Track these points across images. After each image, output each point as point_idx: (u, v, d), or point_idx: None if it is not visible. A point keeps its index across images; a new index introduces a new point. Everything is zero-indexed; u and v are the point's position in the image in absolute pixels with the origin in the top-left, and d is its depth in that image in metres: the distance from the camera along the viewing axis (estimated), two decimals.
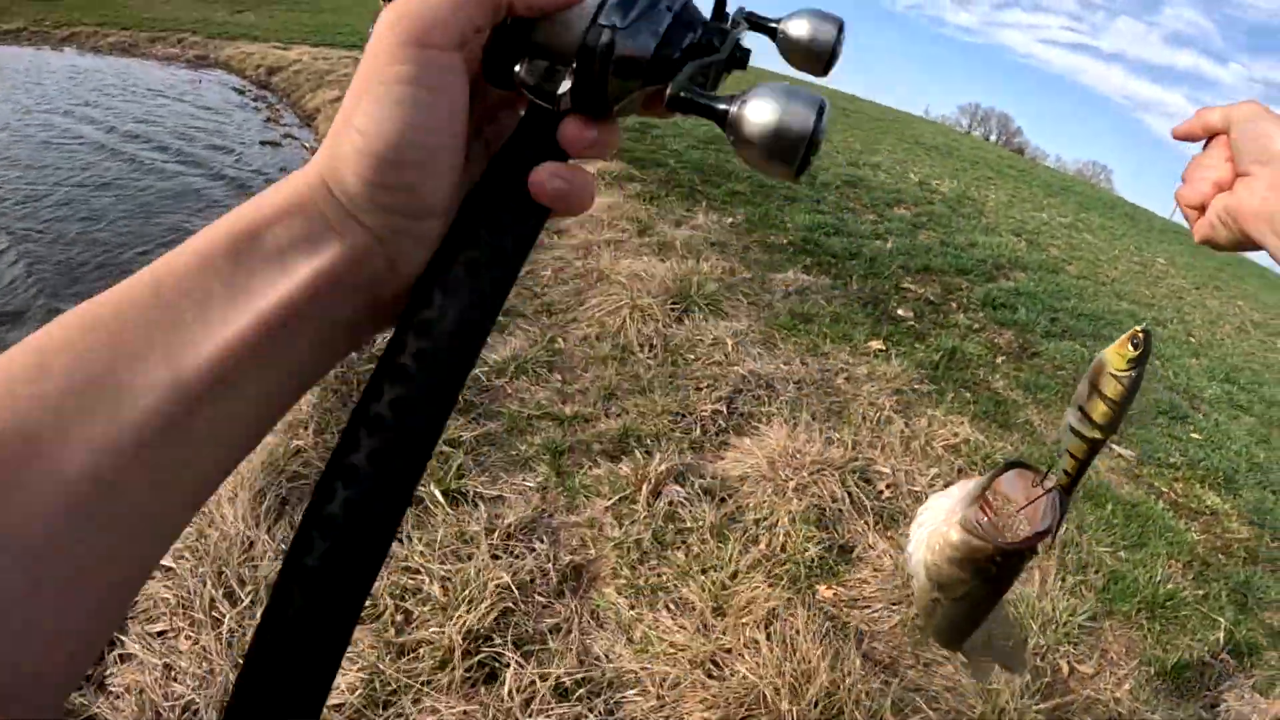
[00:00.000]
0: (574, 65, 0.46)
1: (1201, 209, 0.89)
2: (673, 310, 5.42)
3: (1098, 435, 0.94)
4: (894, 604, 3.23)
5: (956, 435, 4.57)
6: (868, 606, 3.24)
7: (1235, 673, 3.49)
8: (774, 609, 3.00)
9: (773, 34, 0.60)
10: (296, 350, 0.41)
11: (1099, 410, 0.92)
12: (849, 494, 3.78)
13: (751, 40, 0.57)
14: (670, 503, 3.53)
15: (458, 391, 0.45)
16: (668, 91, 0.47)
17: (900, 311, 6.78)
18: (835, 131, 21.09)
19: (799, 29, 0.59)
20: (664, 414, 4.26)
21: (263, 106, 15.55)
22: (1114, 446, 5.39)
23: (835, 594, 3.27)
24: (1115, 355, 0.93)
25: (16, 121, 11.22)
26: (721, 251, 7.07)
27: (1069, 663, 3.27)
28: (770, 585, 3.15)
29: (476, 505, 3.36)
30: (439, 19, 0.41)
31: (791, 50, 0.61)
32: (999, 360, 6.39)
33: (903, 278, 7.84)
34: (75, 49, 21.35)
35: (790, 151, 0.45)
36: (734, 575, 3.19)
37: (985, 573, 0.92)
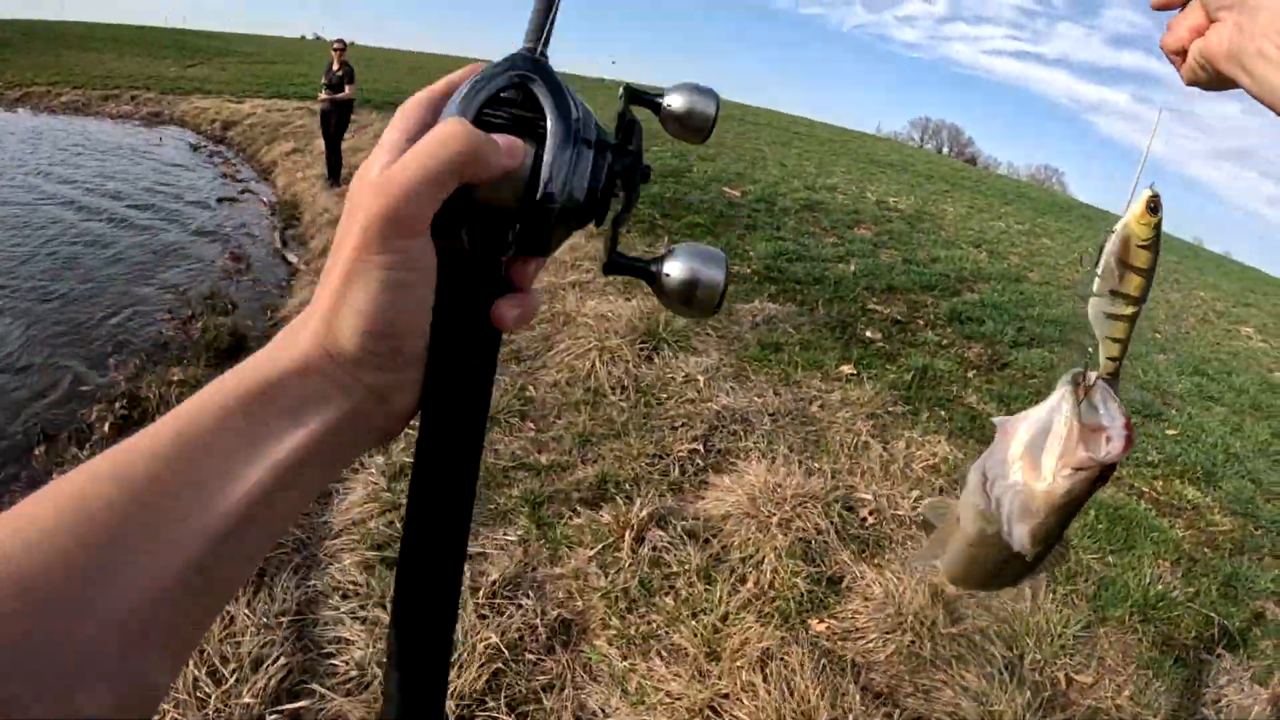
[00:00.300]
0: (517, 219, 0.52)
1: (1183, 55, 0.94)
2: (642, 349, 5.41)
3: (1135, 309, 0.94)
4: (888, 633, 3.20)
5: (935, 455, 4.57)
6: (861, 637, 3.21)
7: (1233, 666, 3.49)
8: (768, 649, 2.96)
9: (656, 108, 0.64)
10: (306, 482, 0.47)
11: (1134, 284, 0.91)
12: (833, 525, 3.76)
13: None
14: (654, 548, 3.49)
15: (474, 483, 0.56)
16: (604, 261, 0.57)
17: (868, 333, 6.81)
18: (790, 156, 21.32)
19: (679, 103, 0.64)
20: (641, 457, 4.23)
21: (219, 161, 15.53)
22: None
23: (828, 627, 3.24)
24: (1139, 225, 0.92)
25: None
26: None
27: (1066, 674, 3.26)
28: (762, 624, 3.12)
29: None
30: (416, 213, 0.47)
31: (672, 122, 0.65)
32: (970, 375, 6.42)
33: (868, 299, 7.88)
34: (29, 109, 21.28)
35: (708, 302, 0.57)
36: (725, 617, 3.15)
37: (1088, 495, 0.89)
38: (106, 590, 0.38)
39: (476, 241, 0.52)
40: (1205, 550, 4.44)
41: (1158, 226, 0.90)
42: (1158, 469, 5.38)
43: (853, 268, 8.94)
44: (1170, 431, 6.10)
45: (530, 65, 0.54)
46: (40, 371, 5.67)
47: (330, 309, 0.48)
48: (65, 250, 8.72)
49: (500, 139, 0.50)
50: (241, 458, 0.44)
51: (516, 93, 0.53)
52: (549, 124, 0.52)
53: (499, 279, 0.54)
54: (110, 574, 0.39)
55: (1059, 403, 0.84)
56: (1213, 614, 3.80)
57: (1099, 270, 0.93)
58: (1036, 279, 11.17)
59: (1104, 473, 0.83)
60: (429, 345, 0.51)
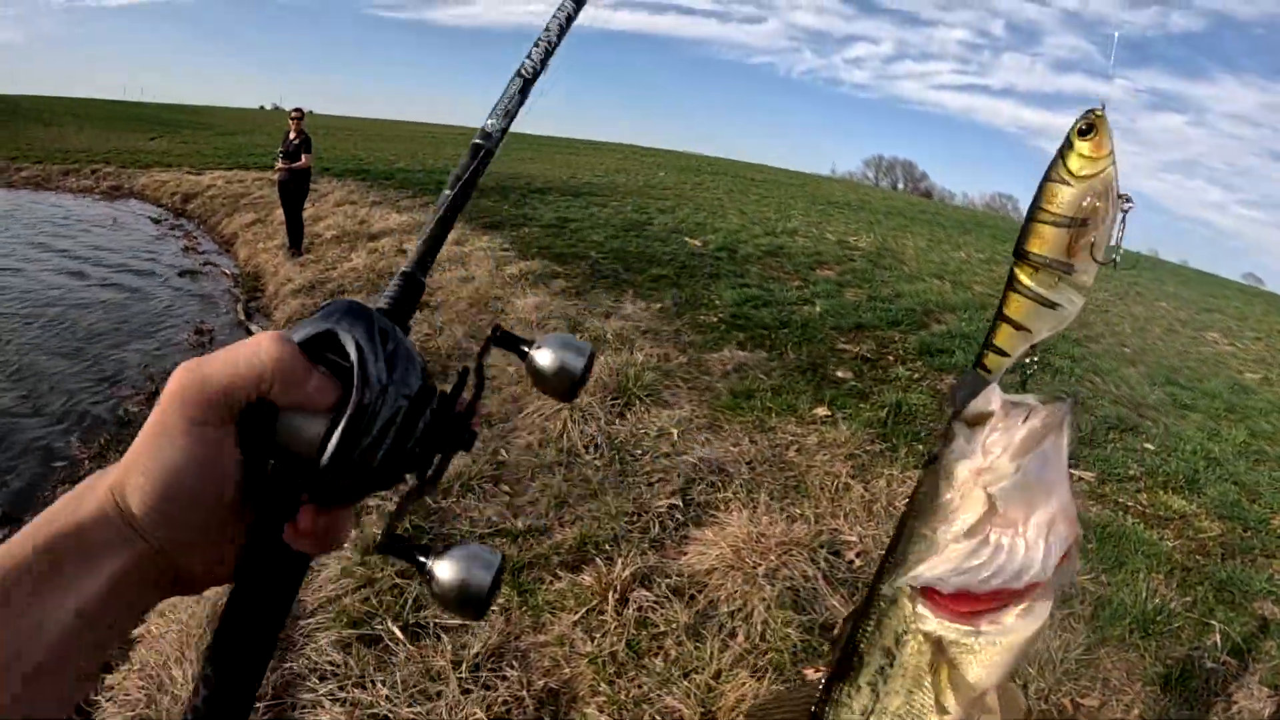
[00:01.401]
0: (307, 472, 0.52)
1: None
2: (613, 406, 5.36)
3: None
4: None
5: None
6: None
7: (1239, 672, 3.44)
8: None
9: (522, 355, 0.63)
10: (109, 621, 0.50)
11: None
12: (820, 570, 3.69)
13: None
14: (639, 608, 3.40)
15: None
16: (378, 541, 0.59)
17: (839, 373, 6.79)
18: (749, 203, 21.52)
19: (545, 358, 0.63)
20: (619, 515, 4.15)
21: (180, 234, 15.51)
22: (1071, 470, 5.39)
23: (823, 676, 3.15)
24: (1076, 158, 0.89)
25: None
26: (654, 338, 7.06)
27: (1072, 699, 3.19)
28: (757, 679, 3.03)
29: (439, 637, 3.20)
30: (211, 401, 0.50)
31: (535, 375, 0.63)
32: (945, 407, 6.39)
33: (836, 339, 7.88)
34: None
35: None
36: (717, 674, 3.07)
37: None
38: None
39: (276, 475, 0.53)
40: (1197, 558, 4.42)
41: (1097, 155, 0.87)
42: (1140, 482, 5.37)
43: (819, 309, 8.95)
44: (1148, 445, 6.11)
45: (355, 320, 0.53)
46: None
47: (126, 465, 0.51)
48: (21, 328, 8.63)
49: (316, 375, 0.52)
50: (49, 601, 0.47)
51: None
52: (353, 392, 0.51)
53: (295, 510, 0.54)
54: None
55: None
56: (1212, 621, 3.76)
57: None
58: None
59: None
60: (230, 527, 0.53)
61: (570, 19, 0.71)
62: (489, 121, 0.65)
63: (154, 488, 0.49)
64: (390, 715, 2.77)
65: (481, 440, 4.97)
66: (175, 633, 3.11)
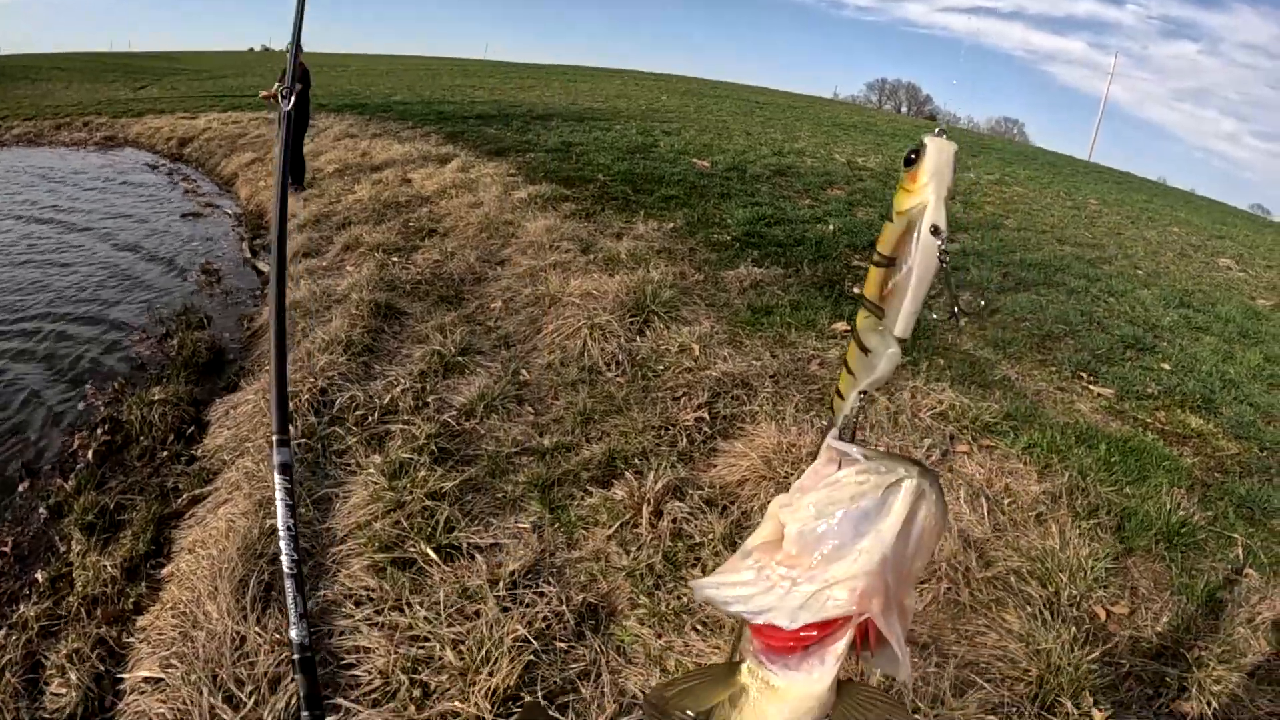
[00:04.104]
0: None
1: None
2: (632, 323, 5.30)
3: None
4: (923, 582, 3.11)
5: (941, 402, 4.49)
6: None
7: (1262, 585, 3.45)
8: None
9: None
10: None
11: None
12: None
13: None
14: (674, 520, 3.37)
15: None
16: None
17: (856, 289, 6.72)
18: (754, 125, 21.23)
19: None
20: (646, 430, 4.12)
21: (179, 178, 15.28)
22: (1090, 386, 5.38)
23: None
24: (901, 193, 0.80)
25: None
26: (669, 257, 6.96)
27: (1104, 607, 3.19)
28: None
29: (473, 557, 3.18)
30: None
31: None
32: (962, 322, 6.36)
33: (851, 256, 7.80)
34: None
35: None
36: None
37: None
38: None
39: None
40: (1217, 475, 4.41)
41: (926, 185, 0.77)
42: (1158, 400, 5.35)
43: (832, 227, 8.85)
44: (1165, 365, 6.08)
45: None
46: (15, 406, 5.49)
47: None
48: (28, 276, 8.49)
49: None
50: None
51: None
52: None
53: None
54: None
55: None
56: (1235, 534, 3.77)
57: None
58: (1013, 225, 11.15)
59: None
60: None
61: None
62: None
63: None
64: (430, 636, 2.74)
65: (501, 360, 4.94)
66: (207, 568, 3.09)
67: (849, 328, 0.78)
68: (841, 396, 0.88)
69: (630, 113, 22.23)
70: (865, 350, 0.82)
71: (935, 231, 0.75)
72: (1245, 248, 14.79)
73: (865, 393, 0.85)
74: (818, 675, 0.68)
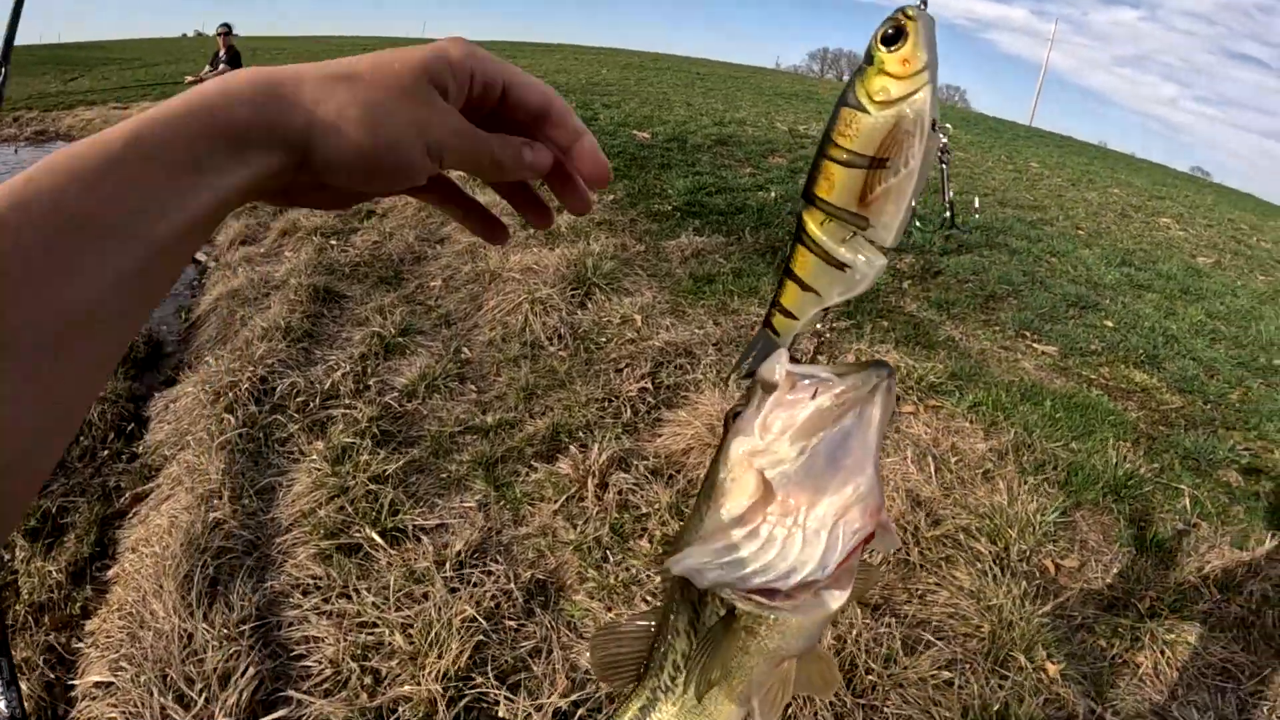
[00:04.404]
0: None
1: None
2: (573, 296, 5.23)
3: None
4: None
5: None
6: None
7: (1210, 534, 3.50)
8: None
9: None
10: (215, 221, 0.47)
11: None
12: None
13: None
14: (620, 491, 3.35)
15: None
16: None
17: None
18: (695, 96, 21.14)
19: None
20: (590, 403, 4.08)
21: None
22: (1034, 345, 5.41)
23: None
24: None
25: None
26: (610, 229, 6.90)
27: (1053, 561, 3.21)
28: None
29: (419, 539, 3.14)
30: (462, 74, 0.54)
31: None
32: (905, 284, 6.39)
33: (793, 223, 7.77)
34: None
35: None
36: None
37: None
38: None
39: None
40: (1161, 428, 4.47)
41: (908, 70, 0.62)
42: (1102, 356, 5.42)
43: (773, 194, 8.82)
44: (1108, 322, 6.17)
45: None
46: None
47: (314, 81, 0.49)
48: None
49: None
50: (187, 183, 0.44)
51: None
52: None
53: None
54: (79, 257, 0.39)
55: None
56: (1182, 485, 3.81)
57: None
58: (954, 189, 11.21)
59: None
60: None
61: None
62: None
63: (365, 137, 0.49)
64: (379, 621, 2.71)
65: (442, 339, 4.84)
66: (151, 567, 2.99)
67: (803, 238, 0.62)
68: (790, 315, 0.77)
69: (569, 87, 22.00)
70: (839, 265, 0.70)
71: (934, 126, 0.63)
72: (1186, 208, 15.09)
73: (827, 310, 0.75)
74: (838, 595, 0.62)
